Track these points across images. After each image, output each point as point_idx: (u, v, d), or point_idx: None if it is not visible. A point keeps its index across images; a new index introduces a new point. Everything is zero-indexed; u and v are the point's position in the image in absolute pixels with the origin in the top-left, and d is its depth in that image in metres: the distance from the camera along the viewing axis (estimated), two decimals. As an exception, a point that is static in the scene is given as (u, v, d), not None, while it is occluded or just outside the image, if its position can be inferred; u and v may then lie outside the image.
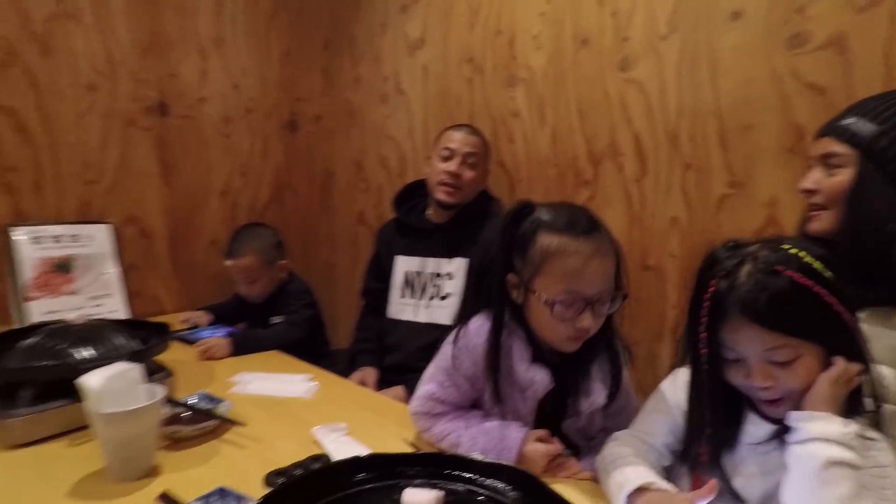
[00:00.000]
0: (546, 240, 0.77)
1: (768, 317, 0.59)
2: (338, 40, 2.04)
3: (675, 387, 0.74)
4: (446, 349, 0.87)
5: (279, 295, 1.62)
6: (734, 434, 0.68)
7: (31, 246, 1.41)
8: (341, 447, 0.84)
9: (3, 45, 1.36)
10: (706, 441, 0.67)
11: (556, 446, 0.80)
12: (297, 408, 1.03)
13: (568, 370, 0.83)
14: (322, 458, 0.59)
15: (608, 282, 0.78)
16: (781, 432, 0.63)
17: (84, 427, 0.89)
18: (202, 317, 1.59)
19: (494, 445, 0.79)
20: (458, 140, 1.44)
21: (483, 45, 1.62)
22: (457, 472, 0.55)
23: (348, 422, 0.92)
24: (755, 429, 0.67)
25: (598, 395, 0.82)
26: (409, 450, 0.86)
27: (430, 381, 0.87)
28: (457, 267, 1.46)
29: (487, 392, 0.85)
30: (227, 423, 0.90)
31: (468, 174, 1.44)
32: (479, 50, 1.63)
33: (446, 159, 1.44)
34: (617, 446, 0.74)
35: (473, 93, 1.67)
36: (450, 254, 1.47)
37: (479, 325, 0.85)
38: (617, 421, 0.84)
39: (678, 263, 1.32)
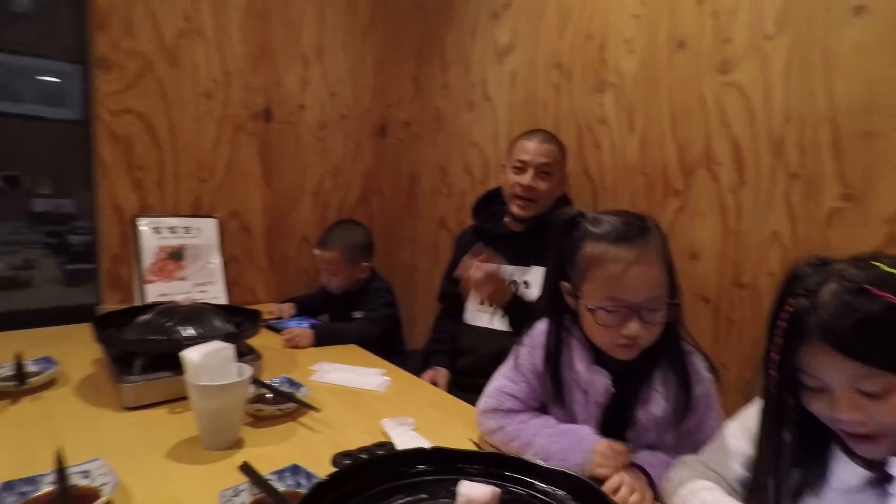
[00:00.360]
0: (589, 247, 0.79)
1: (855, 344, 0.52)
2: (428, 48, 2.11)
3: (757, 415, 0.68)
4: (515, 348, 0.90)
5: (361, 291, 1.69)
6: (820, 475, 0.60)
7: (152, 235, 1.59)
8: (407, 440, 0.86)
9: (141, 59, 1.56)
10: (785, 480, 0.60)
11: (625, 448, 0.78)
12: (370, 399, 1.07)
13: (630, 378, 0.82)
14: (386, 445, 0.62)
15: (655, 289, 0.77)
16: (881, 479, 0.55)
17: (182, 398, 0.99)
18: (287, 309, 1.70)
19: (567, 443, 0.79)
20: (531, 151, 1.41)
21: (572, 50, 1.60)
22: (517, 475, 0.54)
23: (416, 417, 0.95)
24: (845, 471, 0.59)
25: (655, 405, 0.80)
26: (469, 446, 0.87)
27: (501, 378, 0.90)
28: (534, 275, 1.44)
29: (550, 394, 0.86)
30: (304, 406, 0.95)
31: (542, 185, 1.41)
32: (568, 55, 1.61)
33: (519, 171, 1.41)
34: (686, 471, 0.70)
35: (560, 99, 1.65)
36: (527, 262, 1.46)
37: (543, 327, 0.88)
38: (691, 441, 0.80)
39: (777, 283, 1.21)
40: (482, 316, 1.52)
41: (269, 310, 1.69)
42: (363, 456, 0.57)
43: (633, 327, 0.76)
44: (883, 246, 1.03)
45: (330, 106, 1.93)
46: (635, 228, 0.79)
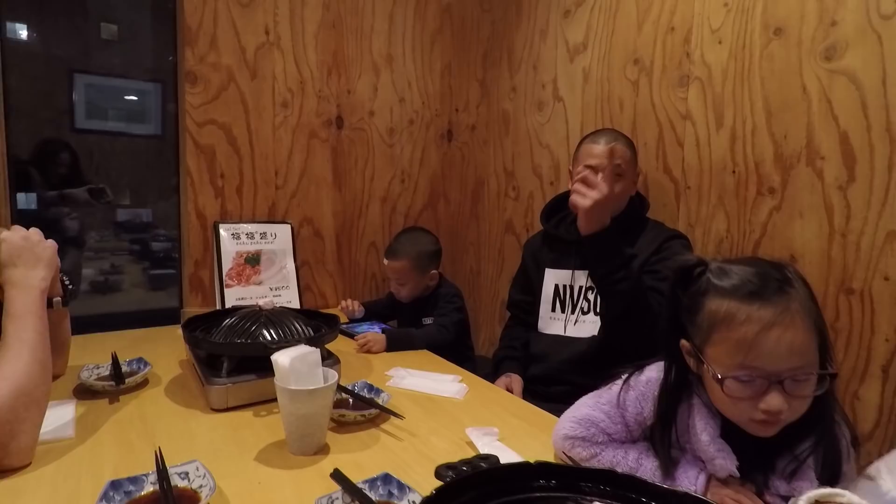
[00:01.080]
0: (714, 304, 0.67)
1: None
2: (496, 51, 2.08)
3: None
4: (616, 388, 0.79)
5: (430, 297, 1.67)
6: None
7: (231, 241, 1.65)
8: (494, 451, 0.82)
9: (226, 72, 1.63)
10: None
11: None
12: (449, 407, 1.04)
13: (764, 451, 0.70)
14: (490, 458, 0.58)
15: (801, 356, 0.63)
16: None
17: (267, 401, 1.00)
18: (357, 305, 1.71)
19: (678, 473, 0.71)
20: (599, 154, 1.34)
21: (652, 44, 1.52)
22: (634, 496, 0.49)
23: (499, 427, 0.91)
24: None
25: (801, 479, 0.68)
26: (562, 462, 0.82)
27: (596, 409, 0.79)
28: (612, 281, 1.37)
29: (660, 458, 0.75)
30: (388, 413, 0.94)
31: (616, 189, 1.33)
32: (648, 50, 1.53)
33: None
34: None
35: (638, 96, 1.57)
36: None
37: (653, 376, 0.76)
38: None
39: (893, 289, 1.08)
40: (555, 323, 1.47)
41: (341, 306, 1.71)
42: (464, 469, 0.54)
43: (773, 401, 0.63)
44: None
45: (398, 111, 1.94)
46: (772, 282, 0.65)
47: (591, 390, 1.29)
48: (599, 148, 1.35)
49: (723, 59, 1.36)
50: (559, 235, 1.49)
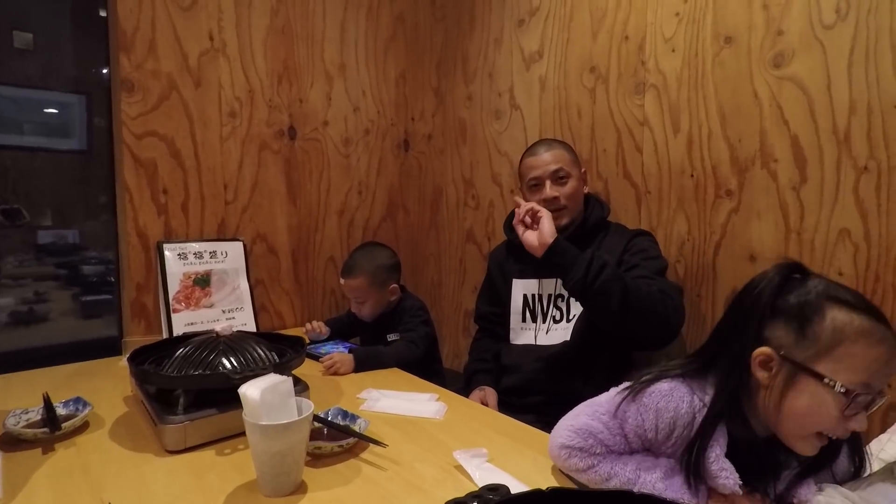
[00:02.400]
0: (842, 316, 0.65)
1: None
2: (450, 59, 2.06)
3: None
4: (615, 397, 0.76)
5: (394, 312, 1.61)
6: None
7: (177, 261, 1.52)
8: (486, 475, 0.78)
9: (166, 80, 1.51)
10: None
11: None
12: (431, 428, 0.98)
13: (765, 466, 0.70)
14: (500, 489, 0.54)
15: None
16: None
17: (230, 437, 0.91)
18: (323, 326, 1.62)
19: (682, 480, 0.69)
20: (539, 164, 1.36)
21: (608, 52, 1.54)
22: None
23: (486, 447, 0.86)
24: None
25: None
26: (554, 480, 0.78)
27: (594, 419, 0.76)
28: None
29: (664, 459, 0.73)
30: (367, 441, 0.87)
31: (564, 190, 1.35)
32: (603, 58, 1.55)
33: (537, 188, 1.36)
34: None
35: (595, 103, 1.59)
36: None
37: (670, 389, 0.73)
38: None
39: (847, 282, 1.13)
40: (526, 333, 1.45)
41: (305, 329, 1.62)
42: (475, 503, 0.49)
43: (863, 420, 0.65)
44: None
45: (353, 121, 1.88)
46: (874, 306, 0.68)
47: (566, 397, 1.29)
48: (538, 158, 1.37)
49: (676, 66, 1.39)
50: (523, 245, 1.47)
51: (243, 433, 0.76)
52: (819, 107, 1.15)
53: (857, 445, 0.72)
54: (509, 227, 1.53)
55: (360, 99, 1.88)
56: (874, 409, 0.66)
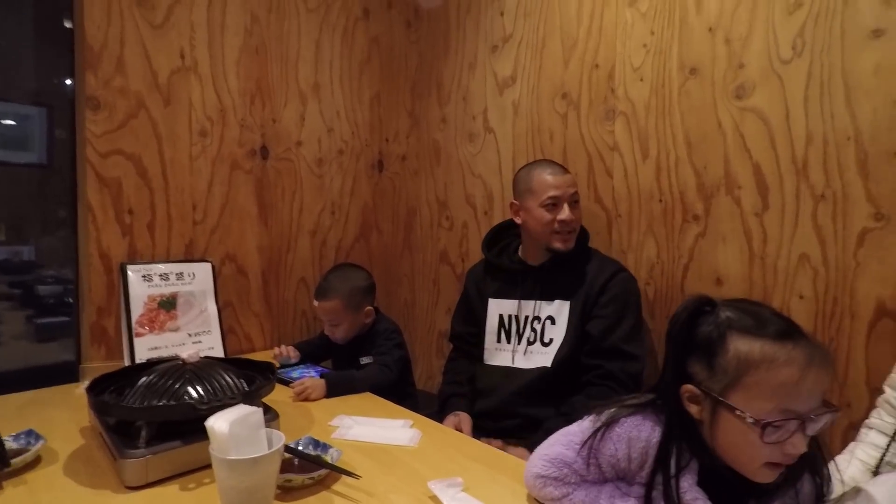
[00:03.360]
0: (743, 345, 0.64)
1: None
2: (424, 82, 2.08)
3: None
4: (588, 425, 0.76)
5: (367, 335, 1.59)
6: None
7: (141, 283, 1.47)
8: (462, 506, 0.76)
9: (134, 99, 1.47)
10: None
11: None
12: (405, 457, 0.96)
13: (743, 495, 0.69)
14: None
15: (822, 394, 0.64)
16: None
17: (195, 470, 0.87)
18: (293, 351, 1.59)
19: None
20: (560, 184, 1.37)
21: (579, 79, 1.58)
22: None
23: (462, 475, 0.85)
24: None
25: None
26: (532, 512, 0.78)
27: (568, 449, 0.75)
28: (557, 309, 1.38)
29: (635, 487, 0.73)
30: (339, 472, 0.85)
31: (578, 214, 1.39)
32: (575, 85, 1.59)
33: (554, 207, 1.35)
34: None
35: (567, 128, 1.62)
36: (550, 296, 1.39)
37: (642, 419, 0.73)
38: None
39: (807, 306, 1.18)
40: (501, 354, 1.45)
41: (273, 354, 1.58)
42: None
43: (799, 444, 0.62)
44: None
45: (327, 141, 1.87)
46: (789, 324, 0.66)
47: (542, 422, 1.29)
48: (560, 178, 1.37)
49: (645, 95, 1.44)
50: (502, 265, 1.48)
51: (209, 465, 0.73)
52: (779, 137, 1.21)
53: (816, 467, 0.71)
54: (487, 246, 1.53)
55: (334, 119, 1.88)
56: (817, 429, 0.64)
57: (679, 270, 1.39)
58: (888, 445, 0.81)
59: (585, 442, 0.74)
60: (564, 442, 0.76)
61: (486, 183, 1.88)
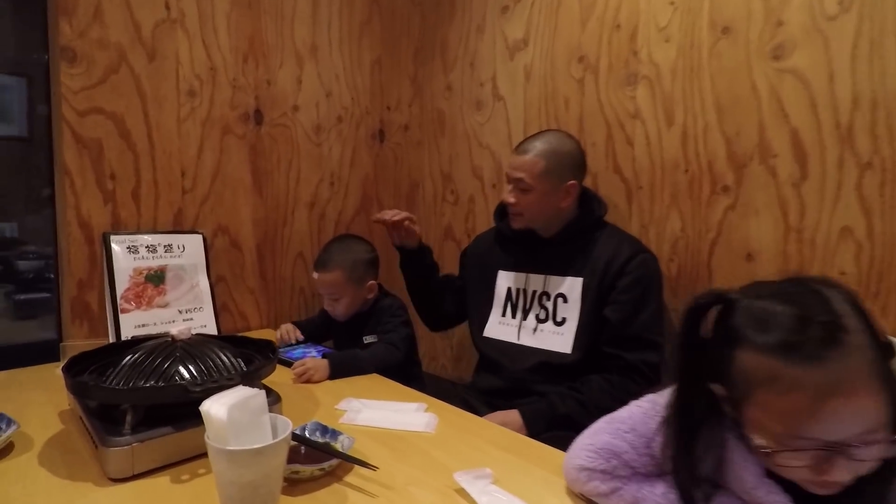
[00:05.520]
0: (750, 360, 0.54)
1: None
2: (428, 47, 1.96)
3: None
4: (639, 411, 0.67)
5: (370, 312, 1.49)
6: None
7: (127, 255, 1.36)
8: (494, 499, 0.68)
9: (115, 51, 1.34)
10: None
11: None
12: (422, 444, 0.87)
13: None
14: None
15: (871, 418, 0.51)
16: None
17: (188, 459, 0.78)
18: (297, 332, 1.49)
19: None
20: (510, 164, 1.30)
21: (598, 41, 1.47)
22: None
23: (488, 465, 0.76)
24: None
25: None
26: (569, 502, 0.69)
27: (617, 437, 0.66)
28: (570, 286, 1.29)
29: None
30: (353, 463, 0.75)
31: (522, 200, 1.28)
32: (593, 47, 1.48)
33: (508, 183, 1.32)
34: None
35: (584, 95, 1.52)
36: (561, 271, 1.30)
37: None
38: None
39: (849, 282, 1.09)
40: (507, 330, 1.36)
41: (277, 336, 1.48)
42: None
43: (837, 473, 0.51)
44: None
45: (325, 107, 1.74)
46: (817, 327, 0.51)
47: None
48: (515, 158, 1.29)
49: (671, 57, 1.34)
50: (513, 235, 1.39)
51: (204, 454, 0.63)
52: (821, 100, 1.11)
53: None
54: (499, 215, 1.44)
55: (332, 84, 1.75)
56: (871, 456, 0.51)
57: (706, 245, 1.31)
58: None
59: (636, 429, 0.65)
60: (611, 430, 0.67)
61: (495, 154, 1.77)
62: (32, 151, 1.41)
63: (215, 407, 0.59)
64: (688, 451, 0.59)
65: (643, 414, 0.66)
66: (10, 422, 0.85)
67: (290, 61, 1.64)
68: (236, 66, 1.53)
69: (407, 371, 1.41)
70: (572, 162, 1.29)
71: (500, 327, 1.37)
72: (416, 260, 1.46)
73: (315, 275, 1.45)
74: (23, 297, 2.13)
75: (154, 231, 1.42)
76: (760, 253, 1.22)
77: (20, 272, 2.16)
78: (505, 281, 1.39)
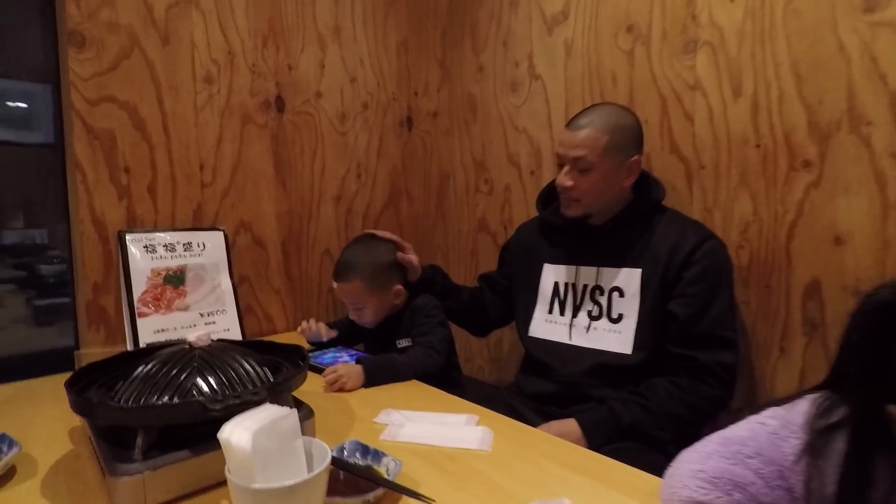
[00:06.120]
0: None
1: None
2: (456, 28, 1.83)
3: None
4: (768, 428, 0.54)
5: (402, 313, 1.36)
6: None
7: (144, 255, 1.26)
8: (577, 541, 0.55)
9: (126, 35, 1.24)
10: None
11: None
12: (480, 466, 0.74)
13: None
14: None
15: None
16: None
17: (209, 487, 0.67)
18: (323, 327, 1.37)
19: None
20: (564, 142, 1.16)
21: (649, 7, 1.32)
22: None
23: (563, 492, 0.63)
24: None
25: None
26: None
27: (739, 464, 0.54)
28: (626, 279, 1.15)
29: None
30: (403, 493, 0.63)
31: (581, 183, 1.15)
32: (643, 14, 1.34)
33: (559, 168, 1.19)
34: None
35: (634, 67, 1.37)
36: (616, 262, 1.16)
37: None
38: None
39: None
40: (556, 329, 1.23)
41: (299, 329, 1.37)
42: None
43: None
44: None
45: (350, 93, 1.63)
46: None
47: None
48: (565, 135, 1.15)
49: (737, 18, 1.18)
50: (558, 224, 1.26)
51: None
52: (926, 56, 0.95)
53: None
54: (543, 203, 1.31)
55: (357, 68, 1.64)
56: None
57: (783, 229, 1.15)
58: None
59: (764, 454, 0.51)
60: (728, 454, 0.53)
61: (533, 138, 1.63)
62: (60, 158, 1.34)
63: (237, 433, 0.48)
64: (860, 489, 0.45)
65: (772, 434, 0.52)
66: (11, 443, 0.75)
67: (312, 44, 1.53)
68: (255, 49, 1.43)
69: (445, 376, 1.28)
70: (634, 135, 1.15)
71: (547, 326, 1.25)
72: (425, 290, 1.36)
73: (335, 285, 1.31)
74: (43, 302, 2.08)
75: (172, 228, 1.32)
76: (852, 235, 1.06)
77: (41, 276, 2.10)
78: (551, 275, 1.26)
